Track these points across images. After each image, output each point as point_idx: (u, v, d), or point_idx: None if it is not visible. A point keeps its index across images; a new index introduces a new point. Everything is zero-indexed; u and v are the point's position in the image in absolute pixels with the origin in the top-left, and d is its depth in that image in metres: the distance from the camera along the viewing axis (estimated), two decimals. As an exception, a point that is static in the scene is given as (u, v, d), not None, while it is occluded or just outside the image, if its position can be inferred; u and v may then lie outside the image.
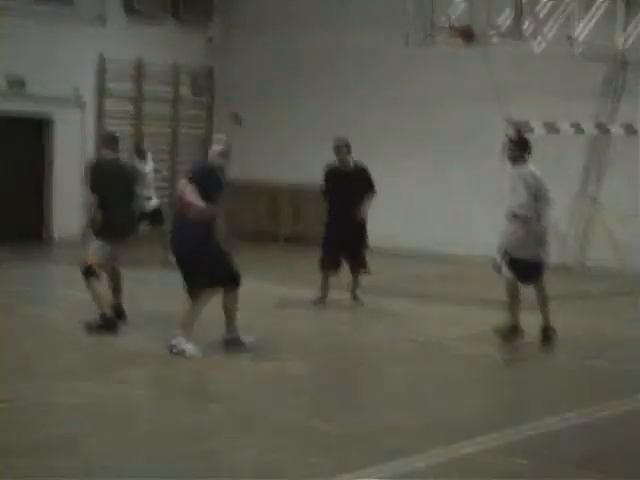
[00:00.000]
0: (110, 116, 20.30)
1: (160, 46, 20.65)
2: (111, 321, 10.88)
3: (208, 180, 10.04)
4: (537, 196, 10.99)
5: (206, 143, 21.24)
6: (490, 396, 9.16)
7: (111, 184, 11.07)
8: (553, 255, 17.44)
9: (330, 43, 20.11)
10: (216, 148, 10.28)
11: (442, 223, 18.42)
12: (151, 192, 16.48)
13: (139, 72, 20.64)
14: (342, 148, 13.10)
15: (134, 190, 11.47)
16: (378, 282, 13.66)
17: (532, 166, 11.15)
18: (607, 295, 15.35)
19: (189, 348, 9.77)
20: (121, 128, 19.70)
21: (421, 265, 17.53)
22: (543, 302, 11.15)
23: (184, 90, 21.43)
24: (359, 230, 13.02)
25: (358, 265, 13.11)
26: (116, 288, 11.38)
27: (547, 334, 11.01)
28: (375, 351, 10.76)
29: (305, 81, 20.54)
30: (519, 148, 11.15)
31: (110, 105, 20.36)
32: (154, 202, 16.50)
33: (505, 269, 11.09)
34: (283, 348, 10.40)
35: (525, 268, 11.05)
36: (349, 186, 12.91)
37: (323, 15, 20.28)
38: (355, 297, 13.14)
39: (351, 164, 13.13)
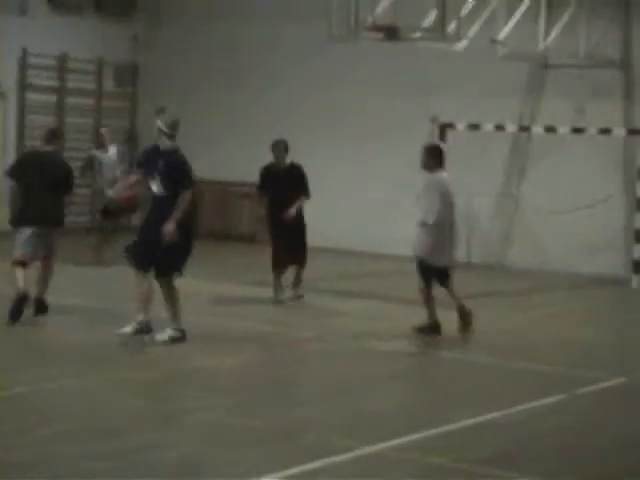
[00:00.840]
0: (32, 109, 20.04)
1: (84, 39, 20.40)
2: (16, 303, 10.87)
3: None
4: (447, 203, 11.21)
5: (130, 135, 21.17)
6: (411, 393, 9.24)
7: (33, 173, 11.22)
8: (475, 254, 17.80)
9: (258, 37, 20.06)
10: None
11: (372, 219, 18.50)
12: (107, 183, 15.87)
13: (62, 65, 20.39)
14: (279, 145, 13.17)
15: (64, 181, 11.35)
16: (309, 278, 13.64)
17: (444, 173, 11.35)
18: (527, 293, 15.58)
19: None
20: (43, 120, 19.57)
21: (351, 262, 17.57)
22: (452, 295, 11.40)
23: (108, 83, 21.23)
24: (297, 227, 13.09)
25: (298, 261, 13.19)
26: (41, 281, 11.27)
27: (465, 318, 11.31)
28: (301, 348, 10.79)
29: (232, 76, 20.46)
30: (432, 156, 11.34)
31: (32, 97, 20.09)
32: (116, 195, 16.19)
33: (418, 272, 11.31)
34: (210, 345, 10.40)
35: (437, 272, 11.27)
36: (284, 185, 12.98)
37: (251, 9, 20.23)
38: (296, 293, 13.24)
39: (287, 163, 13.19)
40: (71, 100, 20.55)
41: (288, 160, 13.25)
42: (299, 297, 13.26)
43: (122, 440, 7.03)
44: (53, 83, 20.34)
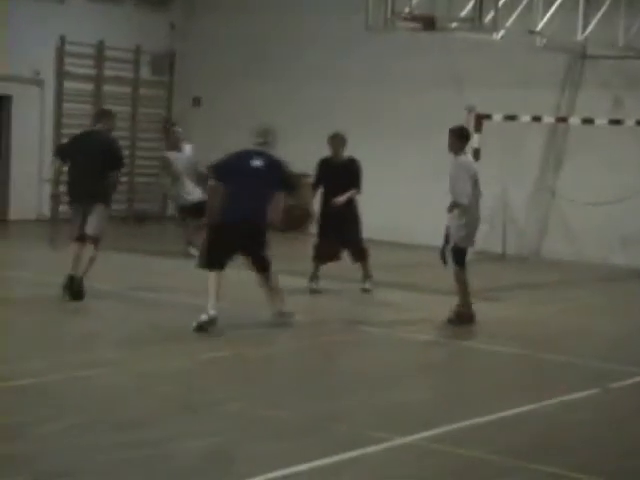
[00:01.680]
0: (70, 97, 20.16)
1: (121, 27, 20.51)
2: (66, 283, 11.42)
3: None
4: (474, 184, 11.27)
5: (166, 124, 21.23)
6: (442, 384, 9.21)
7: (77, 151, 11.70)
8: (510, 245, 17.77)
9: (293, 28, 20.07)
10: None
11: (409, 211, 18.46)
12: (187, 183, 15.55)
13: (99, 53, 20.50)
14: (336, 138, 13.14)
15: (108, 157, 11.67)
16: (342, 268, 13.64)
17: (469, 155, 11.55)
18: (560, 285, 15.52)
19: None
20: (81, 109, 19.72)
21: (387, 252, 17.48)
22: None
23: (144, 71, 21.31)
24: (348, 221, 13.04)
25: (356, 254, 13.16)
26: (82, 262, 11.53)
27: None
28: (334, 338, 10.78)
29: (266, 66, 20.49)
30: (459, 139, 11.36)
31: (70, 85, 20.20)
32: (194, 195, 15.44)
33: (451, 260, 11.29)
34: (243, 334, 10.44)
35: (465, 255, 11.36)
36: (340, 178, 12.94)
37: (288, 0, 20.24)
38: (364, 288, 13.16)
39: (344, 156, 13.15)
40: (108, 88, 20.65)
41: (346, 154, 13.20)
42: (365, 291, 13.14)
43: (146, 430, 7.00)
44: (90, 71, 20.46)
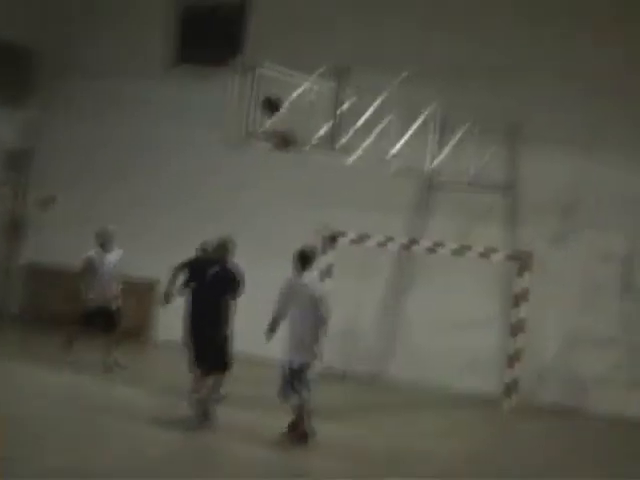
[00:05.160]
0: None
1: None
2: None
3: None
4: (315, 307, 11.68)
5: (13, 224, 20.85)
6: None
7: None
8: (354, 366, 17.80)
9: (151, 133, 20.09)
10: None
11: (255, 325, 18.33)
12: (108, 288, 15.27)
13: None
14: (222, 244, 12.98)
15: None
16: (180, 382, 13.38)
17: (312, 277, 12.05)
18: (403, 407, 15.58)
19: None
20: None
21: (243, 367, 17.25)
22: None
23: (-4, 169, 20.93)
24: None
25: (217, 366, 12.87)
26: None
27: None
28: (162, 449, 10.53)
29: (122, 169, 20.39)
30: (298, 260, 11.98)
31: None
32: (114, 303, 15.30)
33: (305, 390, 11.34)
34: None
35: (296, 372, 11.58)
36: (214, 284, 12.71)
37: (145, 104, 20.27)
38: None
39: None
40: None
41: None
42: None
43: None
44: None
